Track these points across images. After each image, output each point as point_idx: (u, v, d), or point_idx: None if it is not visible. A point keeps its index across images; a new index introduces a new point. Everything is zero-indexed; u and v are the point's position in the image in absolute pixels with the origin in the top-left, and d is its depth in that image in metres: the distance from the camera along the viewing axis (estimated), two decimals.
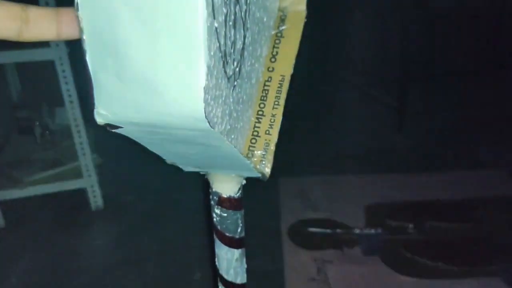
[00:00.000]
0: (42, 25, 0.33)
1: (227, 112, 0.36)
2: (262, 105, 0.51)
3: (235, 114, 0.40)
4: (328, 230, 1.81)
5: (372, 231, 1.77)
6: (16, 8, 0.32)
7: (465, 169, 2.24)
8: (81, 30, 0.29)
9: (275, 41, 0.51)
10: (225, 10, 0.32)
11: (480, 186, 2.07)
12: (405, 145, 2.53)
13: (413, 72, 2.76)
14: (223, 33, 0.32)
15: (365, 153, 2.49)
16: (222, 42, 0.32)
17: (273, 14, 0.50)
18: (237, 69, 0.39)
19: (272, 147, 0.52)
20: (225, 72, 0.35)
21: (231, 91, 0.38)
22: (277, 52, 0.51)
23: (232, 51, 0.36)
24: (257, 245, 1.77)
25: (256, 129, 0.51)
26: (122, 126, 0.34)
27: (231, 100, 0.38)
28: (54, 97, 2.20)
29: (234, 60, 0.37)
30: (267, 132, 0.51)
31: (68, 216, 2.05)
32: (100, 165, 2.17)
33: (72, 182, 2.03)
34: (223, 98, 0.35)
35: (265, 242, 1.79)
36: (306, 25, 0.49)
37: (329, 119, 2.81)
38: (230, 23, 0.34)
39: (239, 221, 0.58)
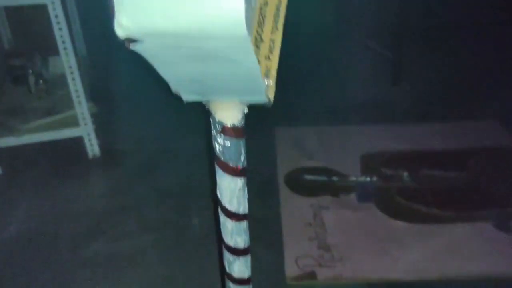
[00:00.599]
0: None
1: (251, 23, 0.36)
2: (260, 31, 0.50)
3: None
4: (324, 178, 1.83)
5: (367, 178, 1.80)
6: None
7: (459, 120, 2.25)
8: None
9: None
10: None
11: (474, 136, 2.09)
12: (401, 97, 2.53)
13: (410, 25, 2.72)
14: None
15: (361, 104, 2.49)
16: None
17: None
18: None
19: (274, 73, 0.51)
20: None
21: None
22: None
23: None
24: (255, 193, 1.79)
25: (255, 55, 0.50)
26: (143, 39, 0.33)
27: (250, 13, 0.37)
28: (47, 45, 2.16)
29: None
30: (267, 57, 0.50)
31: (66, 164, 2.05)
32: (96, 114, 2.16)
33: (69, 131, 2.02)
34: (250, 9, 0.34)
35: (263, 189, 1.82)
36: None
37: (326, 70, 2.78)
38: None
39: (242, 150, 0.59)
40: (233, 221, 0.62)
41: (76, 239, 1.61)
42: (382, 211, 1.63)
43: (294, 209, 1.68)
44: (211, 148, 0.60)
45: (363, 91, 2.62)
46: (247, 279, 0.67)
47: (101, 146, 2.11)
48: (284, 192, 1.78)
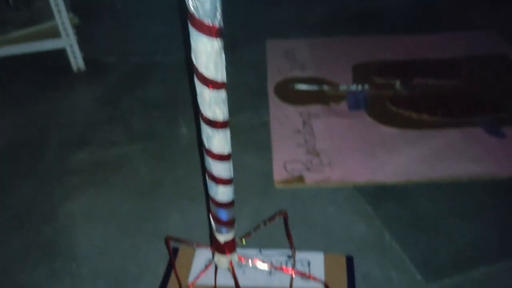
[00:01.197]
0: None
1: None
2: None
3: None
4: (315, 87, 1.80)
5: (359, 87, 1.76)
6: None
7: (455, 31, 2.18)
8: None
9: None
10: None
11: (469, 46, 2.03)
12: (394, 7, 2.44)
13: None
14: None
15: (353, 15, 2.41)
16: None
17: None
18: None
19: None
20: None
21: None
22: None
23: None
24: (245, 102, 1.76)
25: None
26: None
27: None
28: None
29: None
30: None
31: (50, 78, 1.99)
32: (79, 26, 2.07)
33: (50, 42, 1.95)
34: None
35: (252, 99, 1.78)
36: None
37: None
38: None
39: (218, 6, 0.54)
40: (211, 89, 0.59)
41: (62, 149, 1.58)
42: (373, 118, 1.61)
43: (283, 117, 1.65)
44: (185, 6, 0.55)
45: (356, 1, 2.52)
46: (227, 155, 0.65)
47: (85, 59, 2.04)
48: (274, 101, 1.74)
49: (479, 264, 1.11)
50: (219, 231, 0.72)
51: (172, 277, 1.05)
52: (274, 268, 0.76)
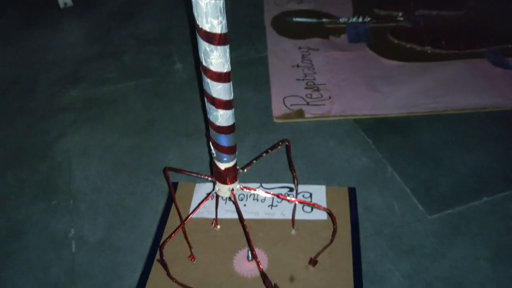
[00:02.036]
0: None
1: None
2: None
3: None
4: (313, 19, 1.72)
5: (359, 19, 1.69)
6: None
7: None
8: None
9: None
10: None
11: None
12: None
13: None
14: None
15: None
16: None
17: None
18: None
19: None
20: None
21: None
22: None
23: None
24: (241, 37, 1.69)
25: None
26: None
27: None
28: None
29: None
30: None
31: (36, 14, 1.90)
32: None
33: None
34: None
35: (249, 33, 1.72)
36: None
37: None
38: None
39: None
40: None
41: (54, 87, 1.53)
42: (374, 51, 1.55)
43: (282, 51, 1.59)
44: None
45: None
46: (227, 73, 0.60)
47: None
48: (271, 35, 1.68)
49: (481, 195, 1.10)
50: (220, 159, 0.69)
51: (172, 211, 1.03)
52: (277, 196, 0.73)
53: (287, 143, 0.82)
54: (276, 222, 0.98)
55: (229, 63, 0.60)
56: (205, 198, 0.76)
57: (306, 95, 1.40)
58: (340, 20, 1.70)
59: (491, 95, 1.36)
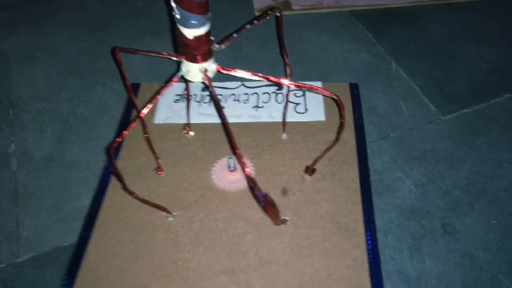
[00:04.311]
0: None
1: None
2: None
3: None
4: None
5: None
6: None
7: None
8: None
9: None
10: None
11: None
12: None
13: None
14: None
15: None
16: None
17: None
18: None
19: None
20: None
21: None
22: None
23: None
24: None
25: None
26: None
27: None
28: None
29: None
30: None
31: None
32: None
33: None
34: None
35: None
36: None
37: None
38: None
39: None
40: None
41: None
42: None
43: None
44: None
45: None
46: None
47: None
48: None
49: (503, 91, 0.93)
50: (186, 23, 0.49)
51: (134, 114, 0.84)
52: (267, 80, 0.54)
53: (278, 14, 0.61)
54: (263, 125, 0.80)
55: None
56: (170, 81, 0.56)
57: None
58: None
59: None
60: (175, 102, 0.85)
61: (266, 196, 0.55)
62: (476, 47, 1.02)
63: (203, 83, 0.71)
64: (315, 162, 0.71)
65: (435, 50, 1.02)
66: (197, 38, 0.51)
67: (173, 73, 0.58)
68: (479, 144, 0.84)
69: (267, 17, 0.60)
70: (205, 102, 0.85)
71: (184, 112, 0.81)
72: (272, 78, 0.55)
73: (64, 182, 0.80)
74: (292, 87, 0.75)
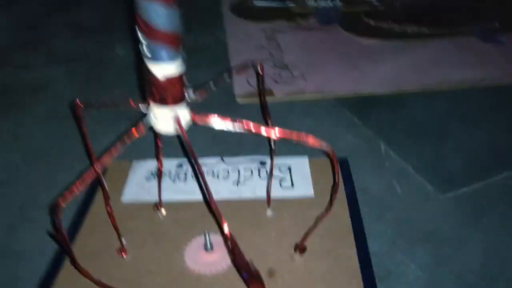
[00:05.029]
0: None
1: None
2: None
3: None
4: (278, 3, 1.52)
5: (329, 2, 1.50)
6: None
7: None
8: None
9: None
10: None
11: None
12: None
13: None
14: None
15: None
16: None
17: None
18: None
19: None
20: None
21: None
22: None
23: None
24: (194, 23, 1.46)
25: None
26: None
27: None
28: None
29: None
30: None
31: None
32: None
33: None
34: None
35: (203, 19, 1.49)
36: None
37: None
38: None
39: None
40: None
41: None
42: (350, 31, 1.35)
43: (243, 34, 1.37)
44: None
45: None
46: None
47: None
48: (231, 19, 1.46)
49: (499, 170, 0.87)
50: (156, 55, 0.43)
51: (98, 196, 0.74)
52: (249, 131, 0.47)
53: (259, 69, 0.56)
54: (245, 203, 0.71)
55: None
56: (128, 137, 0.48)
57: (274, 74, 1.17)
58: (308, 3, 1.50)
59: (487, 69, 1.17)
60: (147, 179, 0.77)
61: (256, 273, 0.45)
62: (465, 128, 0.99)
63: (178, 139, 0.63)
64: (305, 237, 0.61)
65: (424, 132, 0.98)
66: (169, 79, 0.44)
67: (135, 121, 0.50)
68: (486, 224, 0.76)
69: (246, 70, 0.54)
70: (179, 179, 0.76)
71: (154, 189, 0.72)
72: (257, 129, 0.48)
73: (11, 275, 0.68)
74: (276, 162, 0.67)
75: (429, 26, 1.35)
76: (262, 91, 0.59)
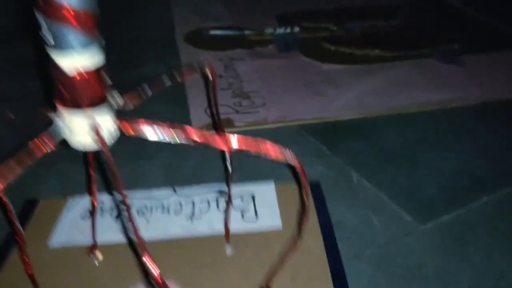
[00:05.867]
0: None
1: None
2: None
3: None
4: (234, 32, 1.47)
5: (287, 30, 1.46)
6: None
7: None
8: None
9: None
10: None
11: None
12: None
13: None
14: None
15: None
16: None
17: None
18: None
19: None
20: None
21: None
22: None
23: None
24: (148, 55, 1.39)
25: None
26: None
27: None
28: None
29: None
30: None
31: None
32: None
33: None
34: None
35: (157, 50, 1.42)
36: None
37: None
38: None
39: None
40: None
41: None
42: (310, 57, 1.31)
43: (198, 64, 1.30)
44: None
45: None
46: None
47: None
48: (185, 49, 1.39)
49: (478, 195, 0.82)
50: (61, 43, 0.34)
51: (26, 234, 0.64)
52: (196, 143, 0.39)
53: (209, 75, 0.49)
54: (200, 241, 0.62)
55: None
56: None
57: (234, 103, 1.10)
58: (266, 31, 1.46)
59: (452, 90, 1.14)
60: (82, 218, 0.67)
61: None
62: (436, 152, 0.94)
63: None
64: (271, 278, 0.53)
65: (395, 158, 0.93)
66: (80, 70, 0.35)
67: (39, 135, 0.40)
68: (471, 255, 0.70)
69: (191, 73, 0.47)
70: (123, 216, 0.67)
71: (89, 230, 0.62)
72: (204, 139, 0.39)
73: None
74: (236, 190, 0.59)
75: (390, 50, 1.32)
76: (214, 97, 0.51)
